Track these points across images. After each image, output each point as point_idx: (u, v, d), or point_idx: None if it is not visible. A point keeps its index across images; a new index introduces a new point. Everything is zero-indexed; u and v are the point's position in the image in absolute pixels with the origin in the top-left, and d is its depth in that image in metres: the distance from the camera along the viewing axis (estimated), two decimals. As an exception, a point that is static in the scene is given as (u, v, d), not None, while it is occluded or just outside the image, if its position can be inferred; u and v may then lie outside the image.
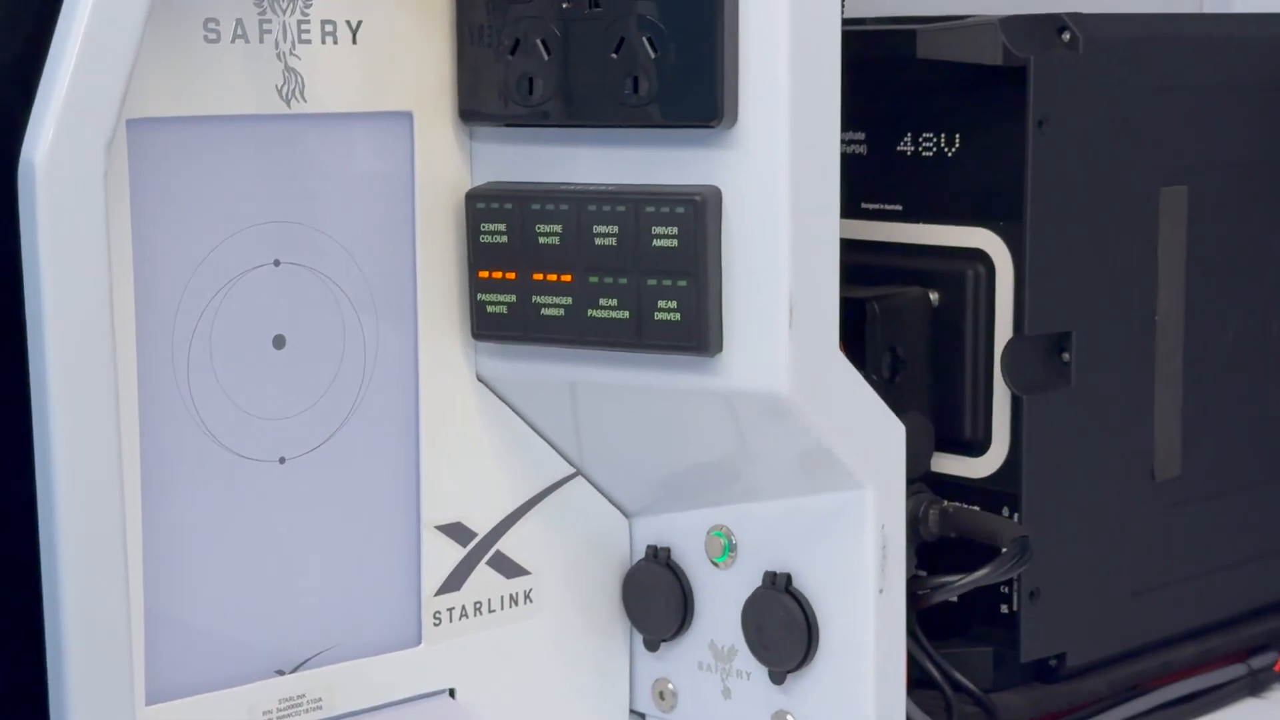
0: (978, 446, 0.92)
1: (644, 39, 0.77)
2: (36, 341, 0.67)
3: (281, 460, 0.81)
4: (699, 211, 0.77)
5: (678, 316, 0.78)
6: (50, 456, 0.68)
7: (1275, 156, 1.01)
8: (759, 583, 0.86)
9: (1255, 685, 1.02)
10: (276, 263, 0.79)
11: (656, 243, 0.78)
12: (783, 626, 0.85)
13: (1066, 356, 0.90)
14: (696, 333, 0.78)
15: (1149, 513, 0.96)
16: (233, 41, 0.76)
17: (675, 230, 0.78)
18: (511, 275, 0.82)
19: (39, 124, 0.67)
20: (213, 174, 0.77)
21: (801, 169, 0.77)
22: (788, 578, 0.85)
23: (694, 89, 0.76)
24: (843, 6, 0.78)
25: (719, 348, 0.78)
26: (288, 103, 0.78)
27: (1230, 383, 1.00)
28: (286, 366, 0.80)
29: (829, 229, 0.79)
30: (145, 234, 0.74)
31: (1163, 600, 0.97)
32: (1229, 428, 1.00)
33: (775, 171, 0.77)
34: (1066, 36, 0.88)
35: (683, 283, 0.78)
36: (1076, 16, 0.89)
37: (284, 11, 0.78)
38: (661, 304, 0.78)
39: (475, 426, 0.87)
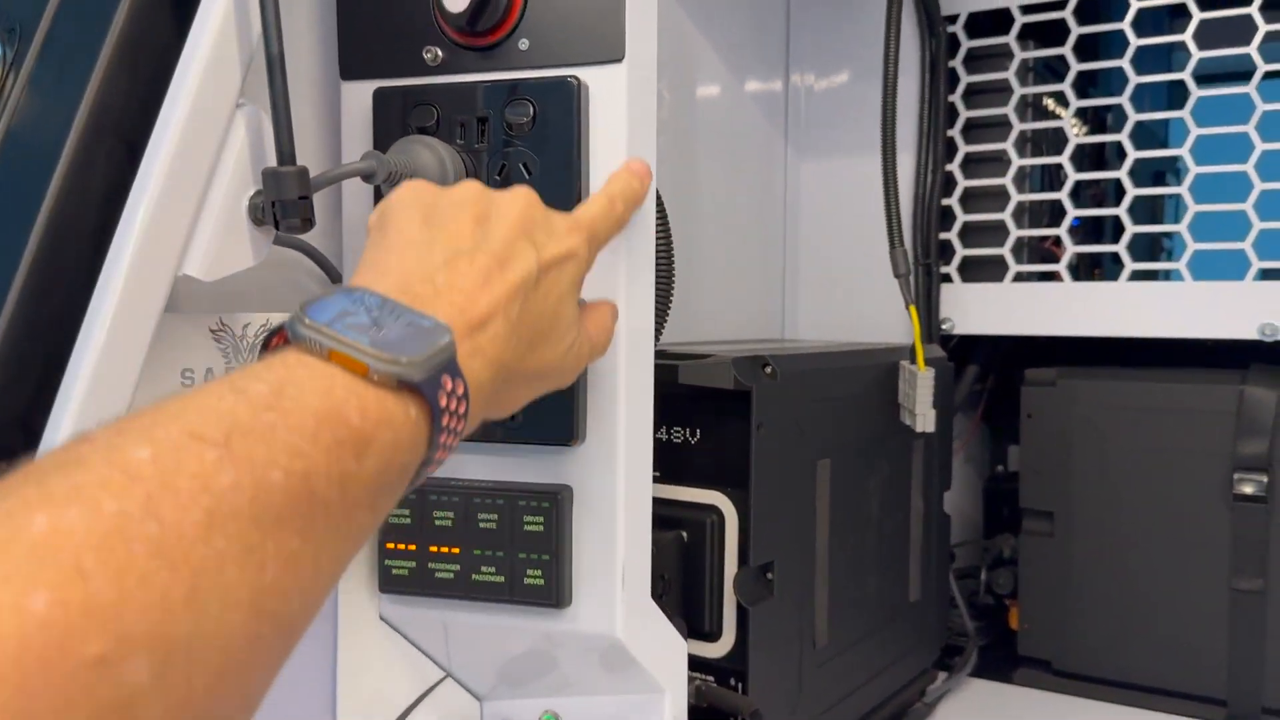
0: (713, 635, 0.73)
1: (518, 383, 0.57)
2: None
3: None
4: (558, 505, 0.57)
5: (541, 581, 0.58)
6: None
7: (869, 435, 0.87)
8: (581, 751, 0.65)
9: (865, 767, 0.85)
10: (235, 547, 0.55)
11: (527, 528, 0.57)
12: (601, 787, 0.64)
13: (770, 576, 0.73)
14: (555, 593, 0.57)
15: (812, 669, 0.80)
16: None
17: (541, 519, 0.57)
18: (412, 547, 0.60)
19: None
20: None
21: (631, 474, 0.58)
22: (604, 751, 0.64)
23: (558, 418, 0.57)
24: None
25: (569, 602, 0.58)
26: (247, 426, 0.55)
27: (853, 583, 0.84)
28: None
29: (645, 512, 0.60)
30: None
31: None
32: (850, 609, 0.84)
33: (613, 475, 0.58)
34: (769, 370, 0.72)
35: (545, 556, 0.57)
36: (773, 356, 0.74)
37: (245, 359, 0.55)
38: (530, 572, 0.58)
39: (376, 655, 0.63)
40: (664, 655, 0.63)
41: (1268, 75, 0.92)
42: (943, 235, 1.08)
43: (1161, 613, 0.99)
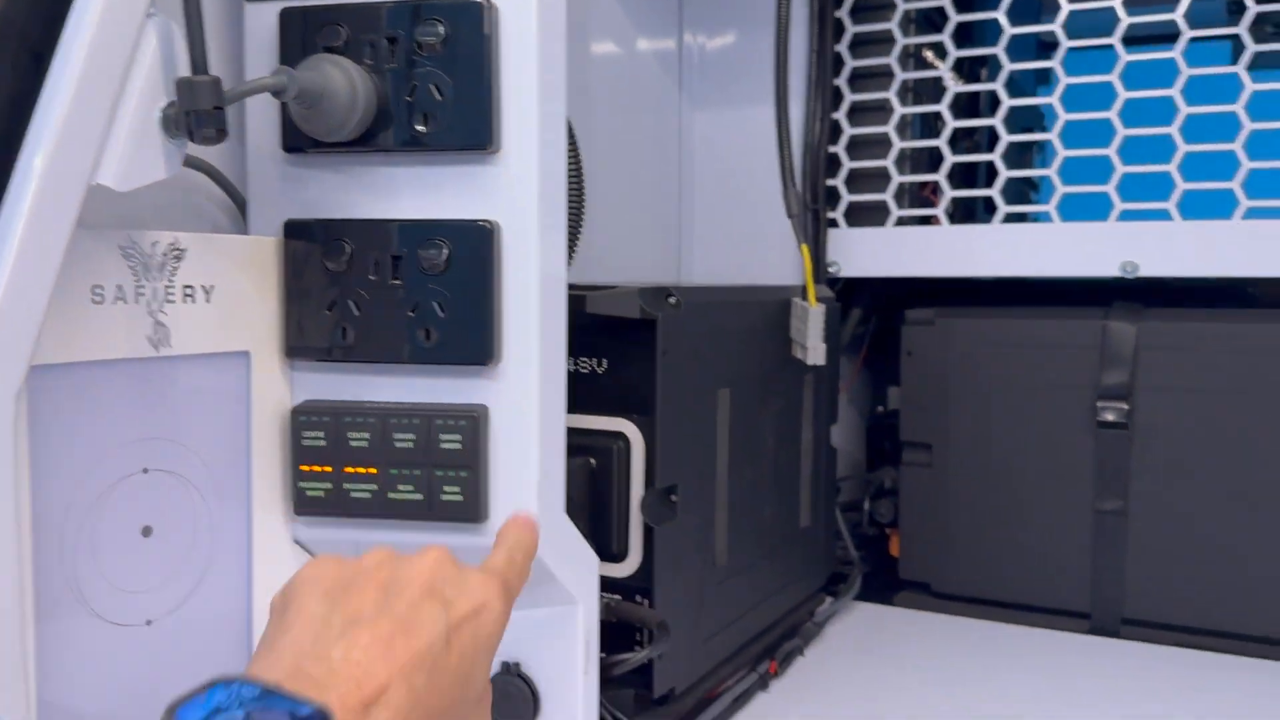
0: (620, 556, 0.75)
1: (434, 303, 0.58)
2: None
3: (148, 623, 0.55)
4: (475, 424, 0.58)
5: (460, 497, 0.59)
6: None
7: (765, 368, 0.90)
8: (498, 669, 0.66)
9: (763, 683, 0.89)
10: (145, 470, 0.55)
11: (444, 445, 0.58)
12: (516, 700, 0.65)
13: (674, 498, 0.75)
14: (474, 508, 0.58)
15: (712, 587, 0.83)
16: (114, 303, 0.52)
17: (459, 437, 0.58)
18: (328, 469, 0.60)
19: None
20: (93, 406, 0.53)
21: (547, 393, 0.60)
22: (518, 665, 0.66)
23: (474, 339, 0.58)
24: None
25: (487, 516, 0.59)
26: (156, 348, 0.54)
27: (750, 507, 0.88)
28: (153, 550, 0.55)
29: (560, 431, 0.62)
30: (40, 458, 0.50)
31: (718, 641, 0.84)
32: (747, 531, 0.87)
33: (528, 395, 0.59)
34: (673, 300, 0.74)
35: (464, 473, 0.58)
36: (676, 288, 0.75)
37: (154, 279, 0.54)
38: (448, 488, 0.59)
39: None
40: (577, 568, 0.64)
41: (1131, 29, 0.98)
42: (829, 182, 1.12)
43: (1031, 534, 1.06)
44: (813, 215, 1.11)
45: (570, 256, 0.67)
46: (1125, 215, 0.99)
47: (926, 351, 1.10)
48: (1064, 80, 1.00)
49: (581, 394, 0.76)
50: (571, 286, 0.74)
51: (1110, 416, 1.00)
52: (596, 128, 1.08)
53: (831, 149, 1.11)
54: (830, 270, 1.12)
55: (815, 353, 0.92)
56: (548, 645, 0.65)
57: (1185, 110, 0.96)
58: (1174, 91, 0.96)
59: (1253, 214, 0.95)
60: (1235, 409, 0.96)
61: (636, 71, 1.12)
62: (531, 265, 0.58)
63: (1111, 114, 0.99)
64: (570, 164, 0.63)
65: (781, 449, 0.94)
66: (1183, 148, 0.96)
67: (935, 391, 1.10)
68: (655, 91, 1.14)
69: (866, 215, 1.12)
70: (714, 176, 1.17)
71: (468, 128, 0.57)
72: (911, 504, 1.12)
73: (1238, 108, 0.94)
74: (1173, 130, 0.97)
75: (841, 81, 1.11)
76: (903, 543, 1.13)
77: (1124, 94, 0.98)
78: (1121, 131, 0.98)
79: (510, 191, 0.58)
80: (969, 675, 0.93)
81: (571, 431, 0.75)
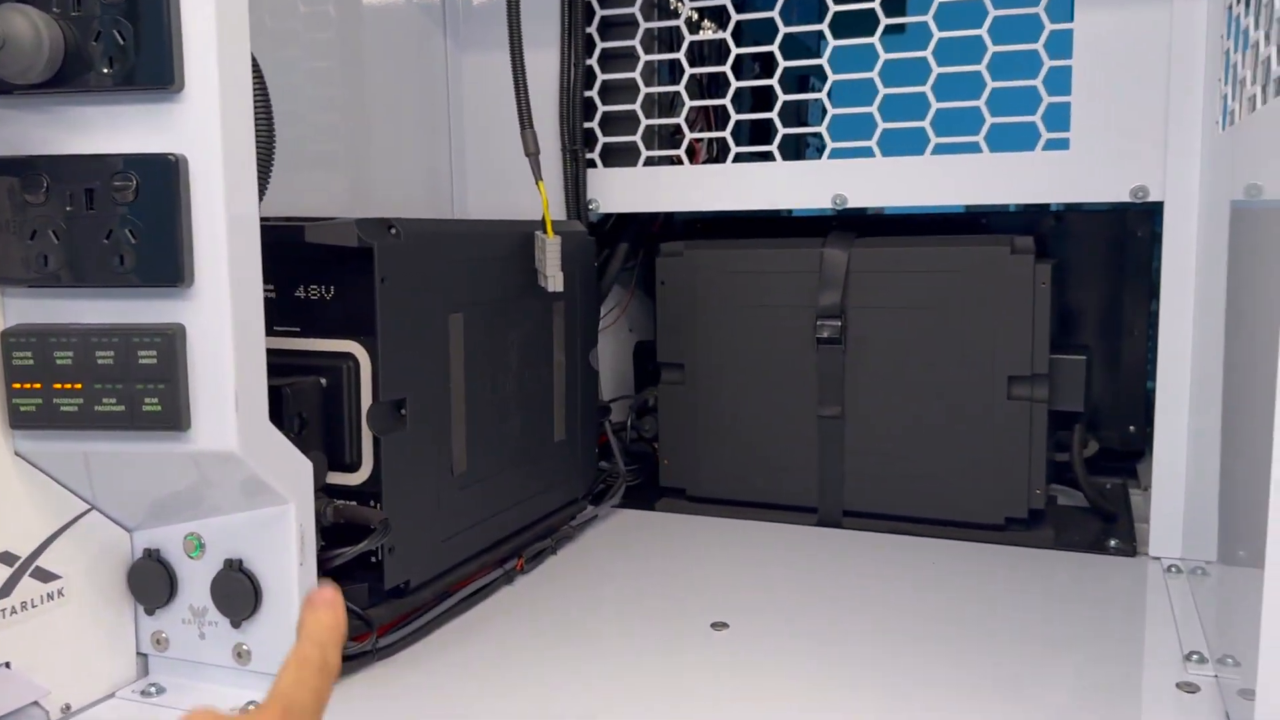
0: (352, 466, 0.80)
1: (126, 230, 0.62)
2: None
3: None
4: (171, 341, 0.62)
5: (159, 408, 0.63)
6: None
7: (506, 295, 0.96)
8: (221, 566, 0.71)
9: (508, 578, 0.96)
10: None
11: (142, 361, 0.62)
12: (239, 593, 0.71)
13: (404, 412, 0.81)
14: (173, 417, 0.63)
15: (450, 492, 0.88)
16: None
17: (155, 353, 0.62)
18: (37, 386, 0.64)
19: None
20: None
21: (240, 312, 0.64)
22: (240, 562, 0.71)
23: (165, 262, 0.62)
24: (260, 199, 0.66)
25: (188, 425, 0.64)
26: None
27: (489, 418, 0.93)
28: None
29: (258, 347, 0.67)
30: None
31: (459, 541, 0.90)
32: (490, 443, 0.93)
33: (221, 314, 0.63)
34: (394, 231, 0.79)
35: (162, 386, 0.63)
36: (398, 220, 0.81)
37: None
38: (147, 400, 0.63)
39: (15, 487, 0.66)
40: (286, 470, 0.70)
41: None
42: (587, 125, 1.17)
43: (767, 440, 1.15)
44: (572, 156, 1.17)
45: (263, 187, 0.71)
46: (835, 154, 1.08)
47: (677, 280, 1.18)
48: (782, 29, 1.08)
49: (312, 319, 0.80)
50: (296, 219, 0.79)
51: (826, 333, 1.10)
52: (369, 77, 1.12)
53: (588, 94, 1.17)
54: (590, 207, 1.18)
55: (554, 281, 0.98)
56: (266, 543, 0.70)
57: (884, 56, 1.05)
58: (874, 39, 1.05)
59: (940, 150, 1.05)
60: (929, 322, 1.07)
61: (403, 22, 1.15)
62: (218, 194, 0.62)
63: (823, 61, 1.07)
64: (258, 101, 0.67)
65: (530, 369, 1.01)
66: (882, 90, 1.05)
67: (686, 316, 1.18)
68: (421, 40, 1.17)
69: (621, 156, 1.18)
70: (482, 119, 1.22)
71: (151, 68, 0.61)
72: (668, 418, 1.20)
73: (927, 54, 1.04)
74: (874, 75, 1.05)
75: (594, 29, 1.16)
76: (662, 454, 1.21)
77: (833, 41, 1.06)
78: (831, 76, 1.07)
79: (195, 126, 0.62)
80: (711, 566, 1.02)
81: (303, 354, 0.80)
